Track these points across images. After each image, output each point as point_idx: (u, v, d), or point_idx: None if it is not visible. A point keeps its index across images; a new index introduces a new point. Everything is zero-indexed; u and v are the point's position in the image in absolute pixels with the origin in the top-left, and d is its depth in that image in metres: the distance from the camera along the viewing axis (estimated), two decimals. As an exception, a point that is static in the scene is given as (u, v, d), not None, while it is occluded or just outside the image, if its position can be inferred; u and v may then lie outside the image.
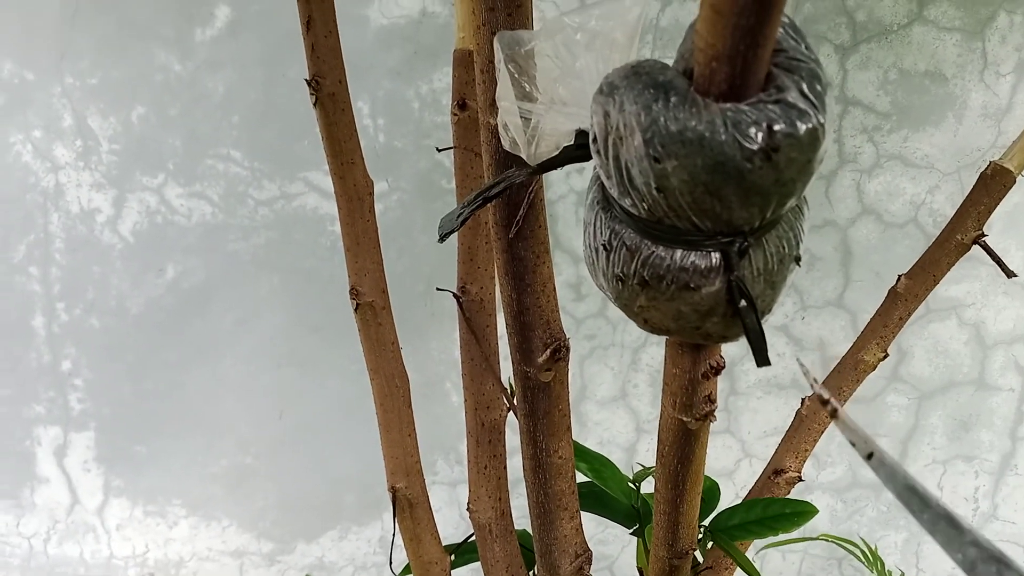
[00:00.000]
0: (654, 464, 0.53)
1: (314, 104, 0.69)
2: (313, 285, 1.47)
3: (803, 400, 0.81)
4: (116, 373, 1.55)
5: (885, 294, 0.81)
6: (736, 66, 0.30)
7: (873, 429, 1.49)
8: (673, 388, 0.43)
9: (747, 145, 0.29)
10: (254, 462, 1.59)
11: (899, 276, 0.79)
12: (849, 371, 0.78)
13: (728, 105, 0.30)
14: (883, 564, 1.26)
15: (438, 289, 0.71)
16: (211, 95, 1.40)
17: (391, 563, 0.76)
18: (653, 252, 0.34)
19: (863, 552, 1.22)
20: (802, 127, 0.30)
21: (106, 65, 1.40)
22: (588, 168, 1.27)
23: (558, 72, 0.39)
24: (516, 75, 0.39)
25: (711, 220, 0.32)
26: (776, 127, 0.29)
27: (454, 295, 0.75)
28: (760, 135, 0.29)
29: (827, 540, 1.19)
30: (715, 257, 0.33)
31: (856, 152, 1.35)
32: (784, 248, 0.34)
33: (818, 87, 0.30)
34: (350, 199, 0.70)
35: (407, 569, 0.80)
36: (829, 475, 1.52)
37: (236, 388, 1.54)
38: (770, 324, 1.45)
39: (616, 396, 1.50)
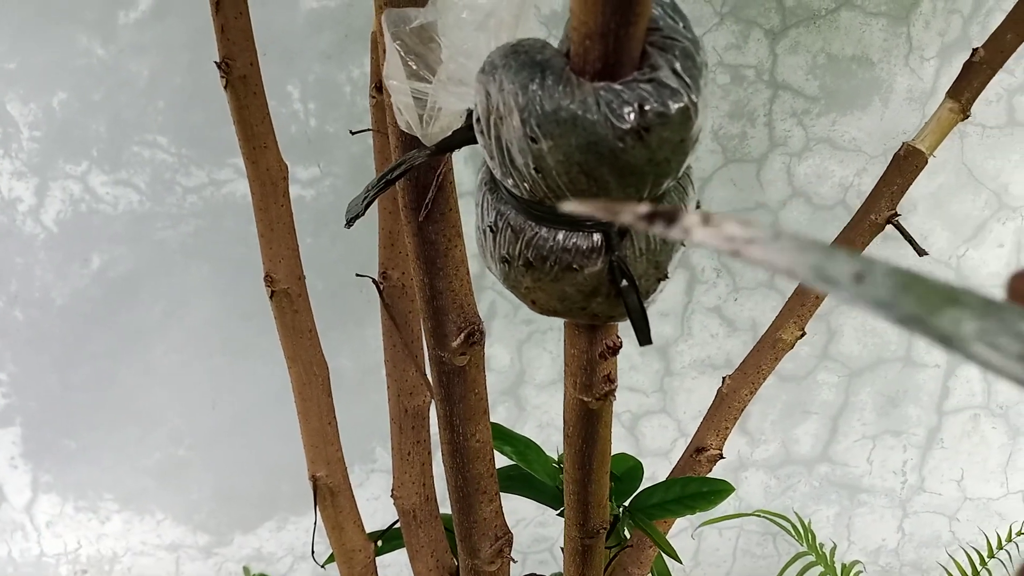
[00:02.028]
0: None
1: (225, 87, 0.67)
2: (244, 273, 1.44)
3: (724, 379, 0.82)
4: (42, 366, 1.51)
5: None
6: (609, 44, 0.29)
7: (805, 406, 1.52)
8: (573, 369, 0.43)
9: (619, 125, 0.29)
10: (188, 453, 1.56)
11: (816, 256, 0.80)
12: (767, 350, 0.80)
13: (601, 84, 0.30)
14: (814, 537, 1.29)
15: (357, 275, 0.70)
16: (135, 80, 1.36)
17: (313, 552, 0.75)
18: (536, 233, 0.34)
19: (794, 527, 1.25)
20: (673, 106, 0.30)
21: (25, 50, 1.35)
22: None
23: (449, 51, 0.38)
24: (403, 53, 0.38)
25: (589, 200, 0.32)
26: (647, 106, 0.29)
27: (374, 281, 0.74)
28: (631, 114, 0.29)
29: (760, 516, 1.21)
30: (596, 238, 0.33)
31: (786, 136, 1.37)
32: (668, 228, 0.34)
33: (692, 66, 0.30)
34: (263, 184, 0.68)
35: (332, 558, 0.79)
36: (763, 452, 1.55)
37: (167, 379, 1.51)
38: (703, 306, 1.47)
39: (555, 379, 1.51)
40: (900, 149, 0.78)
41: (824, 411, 1.52)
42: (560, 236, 0.33)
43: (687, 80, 0.30)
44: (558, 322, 1.44)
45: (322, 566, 0.78)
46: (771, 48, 1.35)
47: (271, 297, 0.70)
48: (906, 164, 0.78)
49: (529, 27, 0.41)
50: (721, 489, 0.71)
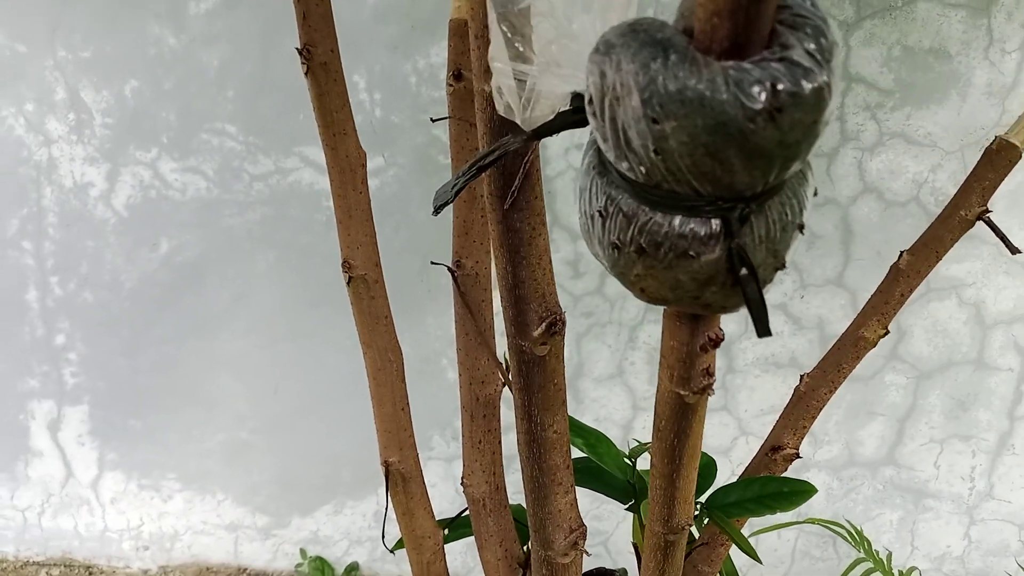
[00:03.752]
0: (651, 440, 0.52)
1: (305, 73, 0.67)
2: (309, 261, 1.45)
3: (802, 377, 0.80)
4: (110, 347, 1.54)
5: (886, 273, 0.80)
6: (738, 21, 0.28)
7: (871, 408, 1.48)
8: (670, 361, 0.42)
9: (750, 105, 0.28)
10: (250, 437, 1.59)
11: (901, 252, 0.78)
12: (849, 348, 0.78)
13: (730, 63, 0.29)
14: (870, 544, 1.26)
15: (432, 263, 0.70)
16: (206, 69, 1.38)
17: (383, 537, 0.75)
18: (650, 218, 0.33)
19: (849, 533, 1.22)
20: (807, 86, 0.28)
21: (99, 38, 1.38)
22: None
23: (554, 33, 0.38)
24: (509, 35, 0.37)
25: (711, 184, 0.31)
26: (780, 86, 0.28)
27: (449, 269, 0.74)
28: (763, 94, 0.28)
29: (814, 523, 1.19)
30: (715, 224, 0.32)
31: (858, 130, 1.33)
32: (787, 215, 0.33)
33: (824, 44, 0.29)
34: (342, 171, 0.68)
35: (401, 543, 0.79)
36: (826, 453, 1.52)
37: (232, 363, 1.53)
38: (769, 303, 1.43)
39: (613, 373, 1.49)
40: (992, 143, 0.75)
41: (891, 413, 1.48)
42: (676, 222, 0.32)
43: (820, 59, 0.29)
44: (617, 316, 1.43)
45: (391, 551, 0.78)
46: (844, 40, 1.31)
47: (348, 283, 0.70)
48: (999, 159, 0.75)
49: (634, 9, 0.40)
50: (803, 490, 0.69)
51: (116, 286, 1.51)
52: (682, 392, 0.43)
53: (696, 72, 0.29)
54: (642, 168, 0.32)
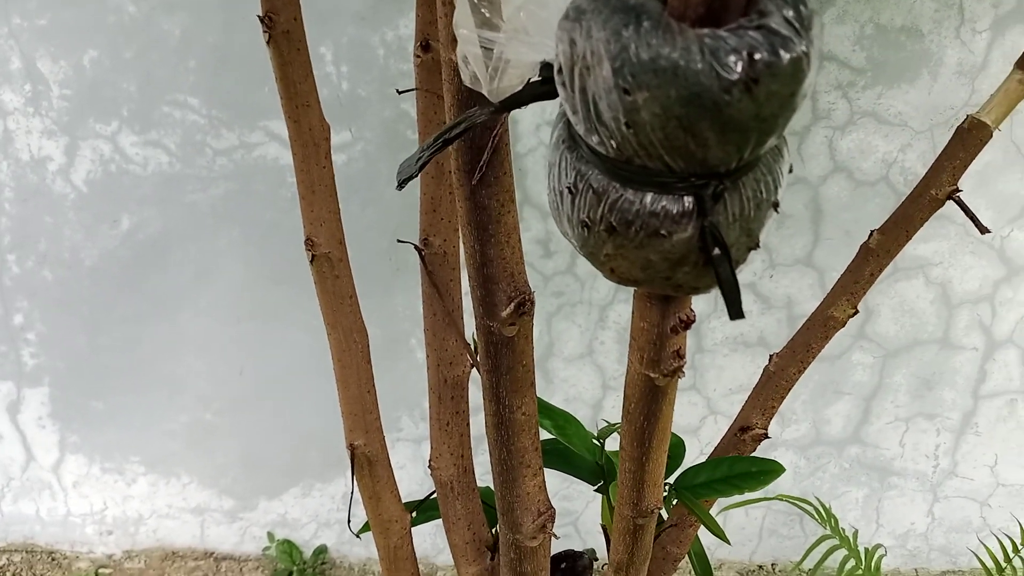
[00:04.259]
0: (620, 421, 0.51)
1: (267, 42, 0.65)
2: (274, 238, 1.42)
3: (771, 357, 0.80)
4: (70, 327, 1.50)
5: (855, 252, 0.79)
6: (715, -14, 0.27)
7: (838, 387, 1.49)
8: (640, 343, 0.41)
9: (725, 75, 0.27)
10: (215, 418, 1.56)
11: (871, 231, 0.78)
12: (818, 327, 0.77)
13: (705, 31, 0.28)
14: (837, 521, 1.27)
15: (399, 241, 0.68)
16: (167, 38, 1.33)
17: (350, 521, 0.74)
18: (621, 195, 0.32)
19: (817, 511, 1.23)
20: (785, 56, 0.27)
21: (56, 5, 1.33)
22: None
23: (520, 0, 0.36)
24: (476, 0, 0.36)
25: (684, 159, 0.29)
26: (757, 55, 0.27)
27: (416, 247, 0.72)
28: (740, 64, 0.27)
29: (783, 500, 1.20)
30: (688, 201, 0.31)
31: (830, 108, 1.33)
32: (762, 192, 0.32)
33: (804, 12, 0.28)
34: (305, 144, 0.66)
35: (367, 527, 0.78)
36: (793, 432, 1.53)
37: (195, 343, 1.50)
38: (739, 282, 1.44)
39: (583, 353, 1.49)
40: (964, 122, 0.75)
41: (857, 392, 1.50)
42: (648, 199, 0.31)
43: (798, 27, 0.28)
44: (588, 295, 1.42)
45: (357, 535, 0.77)
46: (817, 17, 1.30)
47: (312, 261, 0.68)
48: (970, 137, 0.74)
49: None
50: (771, 469, 0.69)
51: (76, 264, 1.47)
52: (652, 374, 0.42)
53: (670, 40, 0.28)
54: (613, 142, 0.30)
